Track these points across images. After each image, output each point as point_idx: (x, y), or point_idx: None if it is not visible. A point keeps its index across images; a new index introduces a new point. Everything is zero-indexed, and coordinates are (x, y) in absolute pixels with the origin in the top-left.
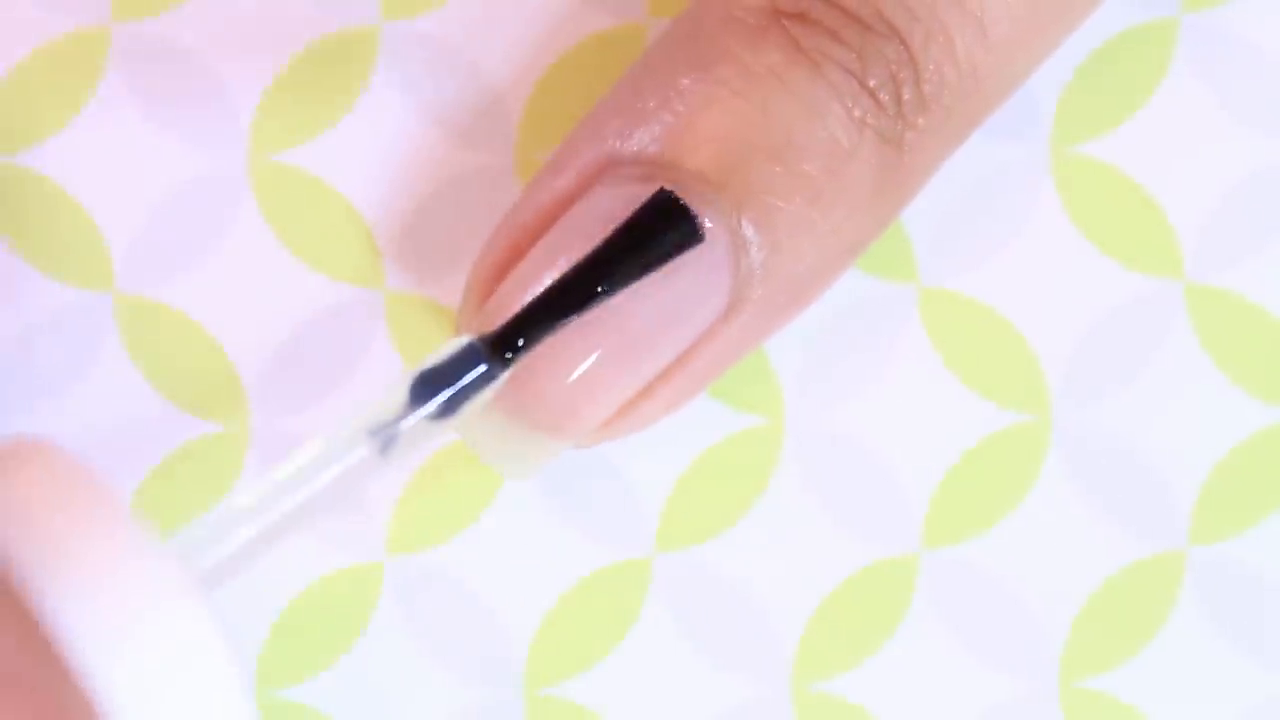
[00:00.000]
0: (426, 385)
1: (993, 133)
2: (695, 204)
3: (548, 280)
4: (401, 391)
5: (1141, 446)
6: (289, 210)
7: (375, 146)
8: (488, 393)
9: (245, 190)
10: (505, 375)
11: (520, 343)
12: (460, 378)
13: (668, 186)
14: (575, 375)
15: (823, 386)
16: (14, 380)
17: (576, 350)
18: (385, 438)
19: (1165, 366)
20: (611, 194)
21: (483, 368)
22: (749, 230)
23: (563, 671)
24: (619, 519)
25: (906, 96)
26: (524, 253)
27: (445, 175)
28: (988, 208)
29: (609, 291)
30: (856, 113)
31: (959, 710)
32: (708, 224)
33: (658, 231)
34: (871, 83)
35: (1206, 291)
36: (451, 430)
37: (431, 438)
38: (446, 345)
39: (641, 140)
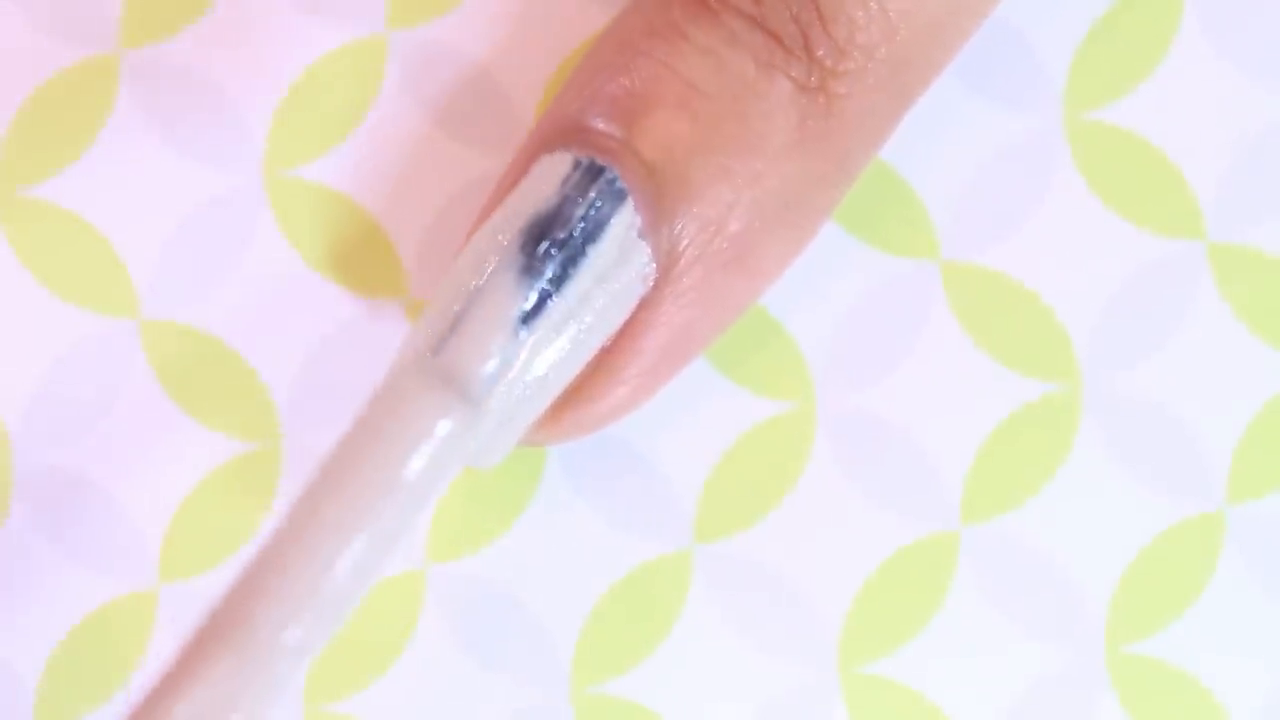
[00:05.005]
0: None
1: (1006, 103)
2: (603, 159)
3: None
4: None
5: (1174, 410)
6: (308, 225)
7: (390, 155)
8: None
9: (263, 207)
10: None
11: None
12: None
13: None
14: None
15: (852, 368)
16: (45, 413)
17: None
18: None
19: (1193, 328)
20: (542, 162)
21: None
22: (661, 179)
23: (609, 669)
24: (655, 513)
25: (815, 37)
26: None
27: (460, 180)
28: (1005, 179)
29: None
30: (763, 56)
31: (1007, 684)
32: (618, 180)
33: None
34: (772, 25)
35: (1229, 250)
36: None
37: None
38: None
39: (562, 109)
